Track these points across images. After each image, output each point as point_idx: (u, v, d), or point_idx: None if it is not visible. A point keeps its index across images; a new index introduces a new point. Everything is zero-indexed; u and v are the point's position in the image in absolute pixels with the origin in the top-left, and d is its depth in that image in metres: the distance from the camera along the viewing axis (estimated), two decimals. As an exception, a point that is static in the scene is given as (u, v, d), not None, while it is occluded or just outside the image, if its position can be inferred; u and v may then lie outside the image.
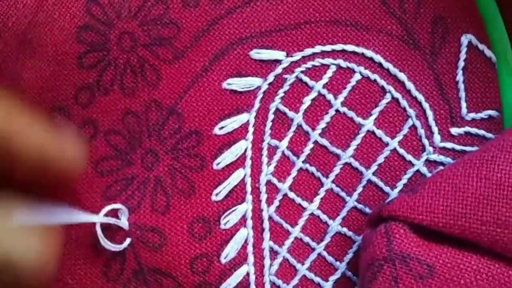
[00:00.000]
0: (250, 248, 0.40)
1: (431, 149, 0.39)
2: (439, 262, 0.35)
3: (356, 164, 0.39)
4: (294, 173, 0.40)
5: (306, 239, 0.40)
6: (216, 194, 0.39)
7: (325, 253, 0.40)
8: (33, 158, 0.32)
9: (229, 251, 0.39)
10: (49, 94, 0.40)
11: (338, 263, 0.39)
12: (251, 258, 0.40)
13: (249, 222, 0.40)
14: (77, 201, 0.39)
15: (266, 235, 0.40)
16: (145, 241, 0.39)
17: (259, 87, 0.40)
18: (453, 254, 0.35)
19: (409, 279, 0.34)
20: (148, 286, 0.39)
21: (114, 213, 0.39)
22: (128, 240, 0.38)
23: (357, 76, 0.40)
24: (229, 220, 0.39)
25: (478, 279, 0.34)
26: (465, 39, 0.40)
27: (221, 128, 0.40)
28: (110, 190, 0.40)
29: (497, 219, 0.34)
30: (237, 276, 0.39)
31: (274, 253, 0.40)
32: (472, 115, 0.40)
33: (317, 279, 0.40)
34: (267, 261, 0.40)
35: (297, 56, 0.40)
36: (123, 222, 0.38)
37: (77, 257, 0.39)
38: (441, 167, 0.39)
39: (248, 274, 0.39)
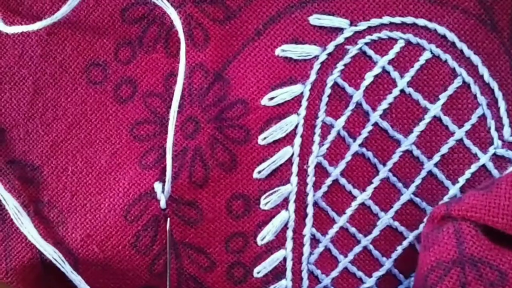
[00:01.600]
0: (289, 233, 0.33)
1: (500, 142, 0.32)
2: (512, 270, 0.28)
3: (417, 152, 0.32)
4: (348, 157, 0.32)
5: (353, 230, 0.32)
6: (259, 172, 0.32)
7: (371, 247, 0.32)
8: None
9: (267, 233, 0.33)
10: (87, 48, 0.33)
11: (384, 259, 0.32)
12: (290, 244, 0.33)
13: (292, 205, 0.32)
14: (114, 165, 0.33)
15: (309, 221, 0.32)
16: (181, 215, 0.32)
17: (316, 57, 0.32)
18: (527, 263, 0.28)
19: (478, 286, 0.27)
20: (179, 261, 0.33)
21: (149, 183, 0.33)
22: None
23: (427, 55, 0.32)
24: (270, 200, 0.32)
25: (552, 294, 0.28)
26: (547, 24, 0.32)
27: (271, 99, 0.32)
28: (146, 158, 0.33)
29: None
30: (273, 260, 0.33)
31: (315, 241, 0.33)
32: (549, 109, 0.33)
33: (360, 274, 0.33)
34: (306, 249, 0.33)
35: (363, 25, 0.32)
36: (162, 204, 0.32)
37: (106, 227, 0.33)
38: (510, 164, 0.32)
39: (285, 259, 0.33)
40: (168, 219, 0.32)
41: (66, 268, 0.32)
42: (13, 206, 0.32)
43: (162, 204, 0.32)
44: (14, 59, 0.33)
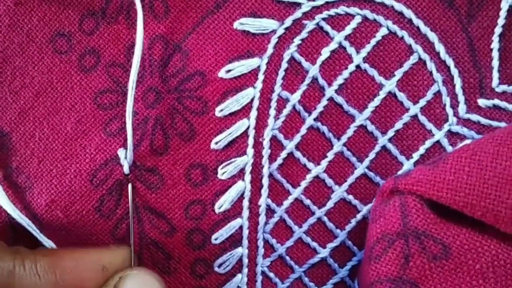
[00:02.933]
0: (246, 203, 0.31)
1: (454, 119, 0.30)
2: (456, 244, 0.26)
3: (371, 127, 0.30)
4: (303, 131, 0.30)
5: (307, 201, 0.31)
6: (216, 142, 0.31)
7: (325, 219, 0.31)
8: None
9: (224, 202, 0.31)
10: (53, 19, 0.31)
11: (338, 230, 0.31)
12: (246, 213, 0.31)
13: (248, 176, 0.31)
14: (79, 132, 0.32)
15: (264, 192, 0.31)
16: (143, 180, 0.31)
17: (274, 31, 0.30)
18: (471, 236, 0.26)
19: (421, 258, 0.26)
20: (141, 225, 0.31)
21: (114, 150, 0.31)
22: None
23: (384, 31, 0.30)
24: (227, 171, 0.31)
25: (495, 265, 0.26)
26: (505, 3, 0.29)
27: (228, 71, 0.30)
28: (110, 125, 0.31)
29: (525, 205, 0.25)
30: (230, 228, 0.31)
31: (270, 211, 0.31)
32: (503, 87, 0.30)
33: (314, 244, 0.31)
34: (262, 218, 0.31)
35: (320, 1, 0.30)
36: (125, 169, 0.30)
37: (71, 192, 0.31)
38: (465, 141, 0.30)
39: (241, 228, 0.31)
40: (130, 184, 0.31)
41: (37, 233, 0.31)
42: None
43: (126, 169, 0.30)
44: (-19, 29, 0.32)
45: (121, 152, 0.31)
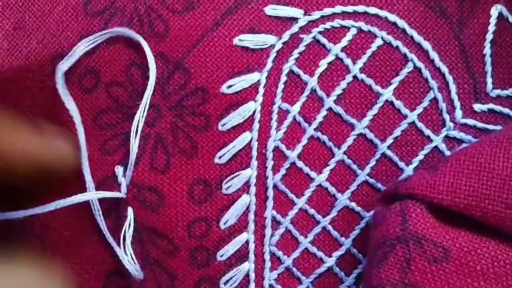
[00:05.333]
0: (251, 216, 0.33)
1: (451, 124, 0.33)
2: (456, 246, 0.28)
3: (371, 135, 0.33)
4: (304, 141, 0.33)
5: (312, 211, 0.33)
6: (220, 157, 0.33)
7: (330, 227, 0.33)
8: (29, 164, 0.29)
9: (229, 217, 0.33)
10: (52, 41, 0.33)
11: (343, 238, 0.33)
12: (251, 226, 0.33)
13: (253, 189, 0.33)
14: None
15: (270, 203, 0.33)
16: (142, 199, 0.33)
17: (272, 46, 0.33)
18: (470, 238, 0.28)
19: (422, 262, 0.28)
20: (142, 246, 0.34)
21: (110, 168, 0.33)
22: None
23: (379, 41, 0.33)
24: (231, 185, 0.33)
25: (495, 266, 0.28)
26: (495, 10, 0.33)
27: (229, 86, 0.33)
28: (108, 144, 0.33)
29: (523, 204, 0.28)
30: (236, 243, 0.33)
31: (276, 223, 0.33)
32: (497, 91, 0.33)
33: (320, 254, 0.33)
34: (268, 231, 0.33)
35: (316, 15, 0.33)
36: (122, 188, 0.32)
37: (70, 213, 0.33)
38: (462, 145, 0.33)
39: (247, 242, 0.33)
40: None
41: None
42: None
43: (123, 187, 0.32)
44: (-20, 53, 0.34)
45: (118, 170, 0.33)
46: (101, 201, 0.32)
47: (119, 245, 0.33)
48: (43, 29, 0.34)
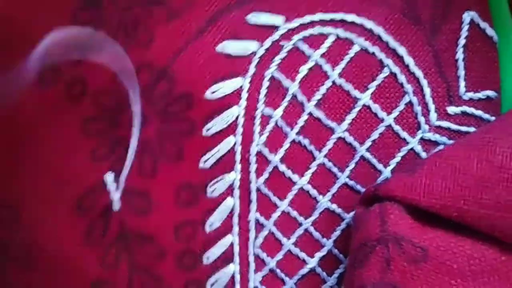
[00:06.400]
0: (235, 219, 0.33)
1: (426, 127, 0.33)
2: (433, 246, 0.28)
3: (350, 139, 0.33)
4: (286, 145, 0.33)
5: (294, 213, 0.33)
6: (204, 161, 0.33)
7: (312, 229, 0.33)
8: None
9: (214, 220, 0.33)
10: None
11: (325, 239, 0.33)
12: (236, 229, 0.33)
13: (236, 192, 0.33)
14: (63, 162, 0.33)
15: (253, 206, 0.33)
16: (131, 204, 0.33)
17: (254, 53, 0.33)
18: (447, 238, 0.29)
19: (402, 262, 0.28)
20: (130, 252, 0.33)
21: (100, 175, 0.33)
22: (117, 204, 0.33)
23: (356, 48, 0.33)
24: (216, 188, 0.33)
25: (471, 264, 0.29)
26: (467, 16, 0.33)
27: (213, 92, 0.33)
28: (97, 152, 0.33)
29: (497, 203, 0.28)
30: (221, 245, 0.33)
31: (260, 226, 0.33)
32: (470, 94, 0.33)
33: (302, 255, 0.33)
34: (252, 233, 0.33)
35: (296, 22, 0.33)
36: (114, 194, 0.32)
37: (57, 220, 0.33)
38: (438, 147, 0.33)
39: (232, 244, 0.33)
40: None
41: None
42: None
43: (113, 194, 0.32)
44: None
45: (108, 176, 0.33)
46: (90, 208, 0.32)
47: (103, 251, 0.32)
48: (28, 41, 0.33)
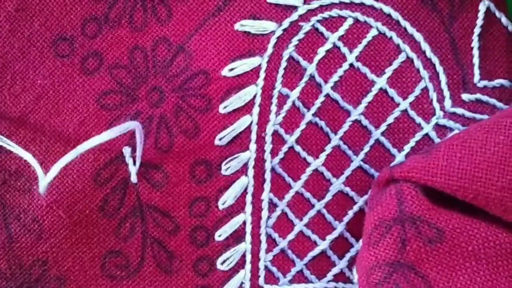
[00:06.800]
0: (249, 198, 0.33)
1: (441, 113, 0.33)
2: (449, 227, 0.28)
3: (365, 122, 0.33)
4: (302, 125, 0.33)
5: (307, 194, 0.33)
6: (220, 139, 0.33)
7: (324, 211, 0.33)
8: None
9: (228, 198, 0.33)
10: (54, 23, 0.33)
11: (337, 222, 0.33)
12: (249, 208, 0.33)
13: (251, 171, 0.33)
14: (82, 133, 0.33)
15: (267, 186, 0.33)
16: (148, 178, 0.32)
17: (273, 32, 0.33)
18: (463, 220, 0.29)
19: (417, 242, 0.28)
20: (144, 224, 0.33)
21: (118, 148, 0.32)
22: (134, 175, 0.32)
23: (374, 32, 0.33)
24: (230, 166, 0.33)
25: (485, 247, 0.28)
26: (483, 5, 0.33)
27: (231, 70, 0.32)
28: (114, 125, 0.32)
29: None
30: (234, 224, 0.33)
31: (273, 205, 0.33)
32: (484, 82, 0.33)
33: (314, 237, 0.33)
34: (265, 213, 0.33)
35: (315, 4, 0.33)
36: (132, 168, 0.32)
37: (74, 192, 0.32)
38: (451, 132, 0.33)
39: (244, 223, 0.33)
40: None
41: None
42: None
43: (131, 167, 0.32)
44: (-18, 34, 0.33)
45: (126, 150, 0.32)
46: (108, 179, 0.32)
47: (117, 226, 0.32)
48: (46, 12, 0.33)
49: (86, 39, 0.33)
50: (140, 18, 0.32)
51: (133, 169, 0.32)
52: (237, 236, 0.33)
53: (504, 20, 0.33)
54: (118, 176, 0.32)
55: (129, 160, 0.32)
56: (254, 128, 0.33)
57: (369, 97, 0.33)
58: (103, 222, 0.32)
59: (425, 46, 0.33)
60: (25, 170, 0.33)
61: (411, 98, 0.33)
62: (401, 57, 0.33)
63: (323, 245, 0.33)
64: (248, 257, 0.33)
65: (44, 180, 0.29)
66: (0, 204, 0.32)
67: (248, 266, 0.33)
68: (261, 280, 0.33)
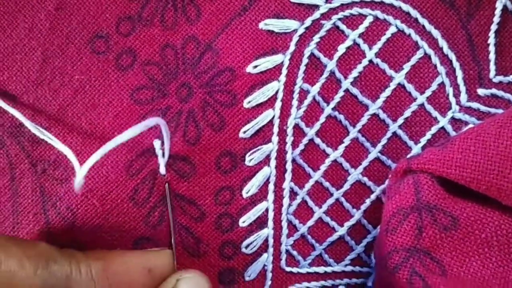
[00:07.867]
0: (271, 186, 0.34)
1: (457, 107, 0.33)
2: (463, 215, 0.29)
3: (383, 116, 0.33)
4: (322, 119, 0.34)
5: (326, 184, 0.34)
6: (244, 132, 0.34)
7: (343, 199, 0.34)
8: None
9: (251, 187, 0.34)
10: (91, 22, 0.34)
11: (354, 210, 0.34)
12: (271, 196, 0.34)
13: (273, 162, 0.34)
14: (117, 126, 0.34)
15: (288, 176, 0.34)
16: (176, 168, 0.34)
17: (295, 30, 0.33)
18: (476, 209, 0.29)
19: (433, 229, 0.29)
20: (173, 212, 0.35)
21: (149, 141, 0.33)
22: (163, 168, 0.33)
23: (393, 29, 0.33)
24: (254, 157, 0.34)
25: (498, 235, 0.29)
26: (500, 3, 0.33)
27: (255, 67, 0.33)
28: (146, 119, 0.33)
29: (524, 179, 0.29)
30: (257, 211, 0.34)
31: (293, 194, 0.34)
32: (500, 77, 0.33)
33: (333, 223, 0.34)
34: (286, 201, 0.34)
35: (336, 3, 0.33)
36: (161, 161, 0.33)
37: (108, 182, 0.34)
38: (467, 126, 0.33)
39: (267, 210, 0.34)
40: (167, 184, 0.33)
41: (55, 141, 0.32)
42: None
43: (160, 160, 0.33)
44: (24, 32, 0.34)
45: (156, 143, 0.34)
46: (139, 170, 0.33)
47: (147, 215, 0.34)
48: (83, 11, 0.34)
49: (120, 37, 0.34)
50: (171, 17, 0.33)
51: (162, 161, 0.33)
52: (260, 222, 0.34)
53: (520, 17, 0.34)
54: (148, 167, 0.33)
55: (159, 152, 0.33)
56: (276, 121, 0.34)
57: (387, 92, 0.33)
58: (133, 211, 0.34)
59: (442, 43, 0.33)
60: (62, 160, 0.34)
61: (428, 92, 0.33)
62: (419, 53, 0.33)
63: (341, 231, 0.34)
64: (271, 242, 0.34)
65: (79, 174, 0.30)
66: (40, 192, 0.34)
67: (270, 250, 0.35)
68: (282, 263, 0.35)
